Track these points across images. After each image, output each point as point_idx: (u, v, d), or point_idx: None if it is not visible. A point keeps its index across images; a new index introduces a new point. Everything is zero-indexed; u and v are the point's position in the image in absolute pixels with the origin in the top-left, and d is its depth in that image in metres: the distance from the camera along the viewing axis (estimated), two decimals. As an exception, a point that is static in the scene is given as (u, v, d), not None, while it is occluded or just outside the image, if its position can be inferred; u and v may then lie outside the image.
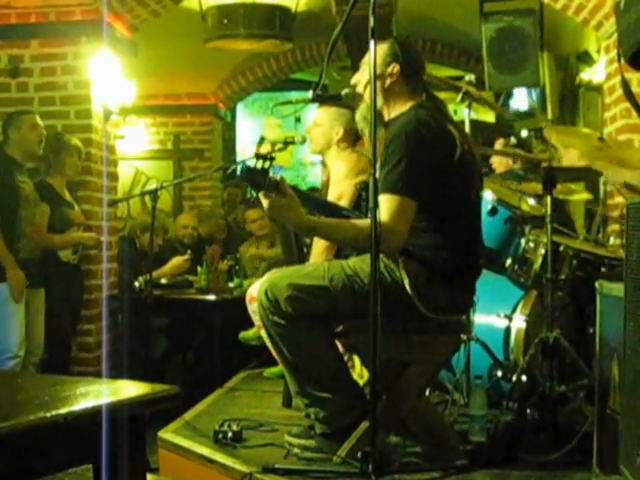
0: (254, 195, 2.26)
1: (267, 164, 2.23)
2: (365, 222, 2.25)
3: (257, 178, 2.23)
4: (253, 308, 2.95)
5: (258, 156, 2.24)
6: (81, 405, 1.28)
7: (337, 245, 2.82)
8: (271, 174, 2.25)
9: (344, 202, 3.09)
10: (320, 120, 3.36)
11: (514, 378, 2.72)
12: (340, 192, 3.16)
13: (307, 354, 2.39)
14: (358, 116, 2.55)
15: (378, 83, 2.38)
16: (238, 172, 2.27)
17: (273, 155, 2.28)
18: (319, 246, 3.14)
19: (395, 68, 2.45)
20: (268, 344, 2.54)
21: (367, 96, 2.39)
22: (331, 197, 3.18)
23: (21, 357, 3.76)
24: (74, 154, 4.27)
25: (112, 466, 1.31)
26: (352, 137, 3.32)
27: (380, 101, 2.43)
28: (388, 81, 2.45)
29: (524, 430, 2.66)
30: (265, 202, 2.26)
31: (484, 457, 2.45)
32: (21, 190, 3.83)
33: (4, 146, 3.93)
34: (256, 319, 3.01)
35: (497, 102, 5.44)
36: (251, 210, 5.42)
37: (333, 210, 2.58)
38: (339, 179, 3.23)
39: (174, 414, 3.00)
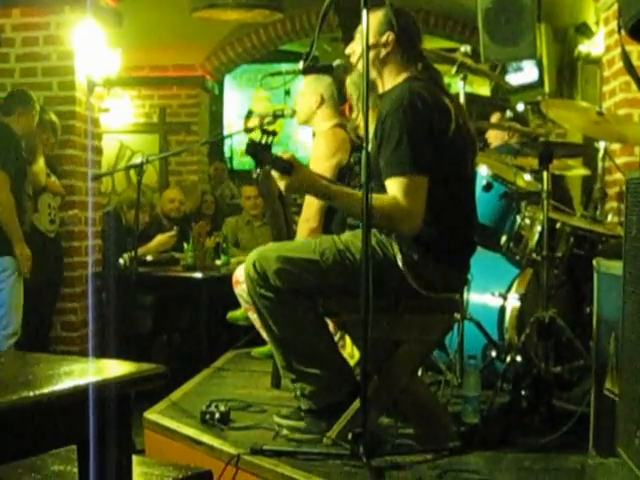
0: (259, 172, 2.24)
1: (270, 139, 2.22)
2: (381, 197, 2.21)
3: (261, 153, 2.21)
4: (239, 291, 2.91)
5: (263, 131, 2.21)
6: (65, 384, 1.24)
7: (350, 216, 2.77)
8: (280, 154, 2.25)
9: None
10: (302, 90, 3.40)
11: (509, 358, 2.68)
12: (320, 172, 3.12)
13: (295, 328, 2.35)
14: (348, 81, 2.50)
15: (372, 53, 2.32)
16: (245, 148, 2.27)
17: (276, 130, 2.25)
18: (304, 229, 3.14)
19: (390, 37, 2.37)
20: (256, 323, 2.49)
21: (361, 66, 2.31)
22: None
23: (19, 334, 3.75)
24: (47, 129, 4.17)
25: (97, 447, 1.26)
26: (333, 103, 3.34)
27: (374, 72, 2.38)
28: (383, 51, 2.38)
29: (519, 411, 2.63)
30: (282, 184, 2.25)
31: (478, 439, 2.41)
32: (26, 164, 3.86)
33: (5, 118, 3.88)
34: (242, 301, 2.96)
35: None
36: (249, 187, 5.34)
37: None
38: (317, 158, 3.23)
39: (160, 395, 2.96)
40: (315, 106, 3.33)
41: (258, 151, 2.21)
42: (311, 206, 3.18)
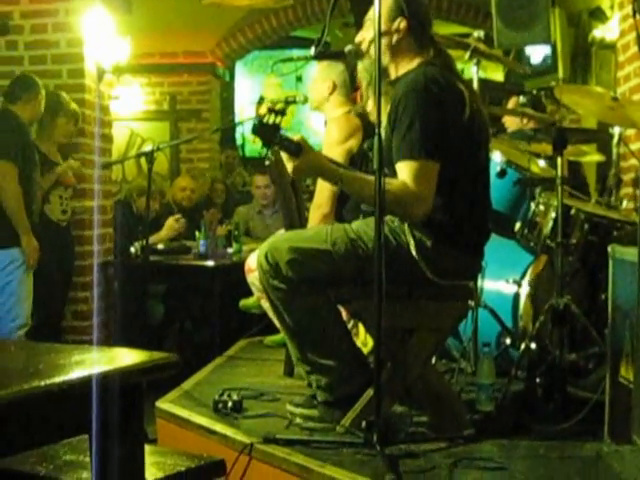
0: (271, 157, 2.21)
1: (278, 119, 2.19)
2: (391, 181, 2.19)
3: (268, 133, 2.18)
4: (251, 279, 2.91)
5: (270, 110, 2.18)
6: (76, 374, 1.24)
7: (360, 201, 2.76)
8: (289, 135, 2.23)
9: None
10: (314, 75, 3.41)
11: (523, 346, 2.66)
12: (332, 157, 3.12)
13: (308, 320, 2.34)
14: (360, 68, 2.47)
15: (385, 40, 2.29)
16: (251, 127, 2.24)
17: (285, 110, 2.22)
18: (316, 216, 3.12)
19: (402, 23, 2.35)
20: (269, 313, 2.48)
21: (373, 53, 2.29)
22: None
23: (29, 325, 3.72)
24: (70, 120, 4.15)
25: (109, 436, 1.27)
26: (345, 90, 3.35)
27: (386, 59, 2.36)
28: (395, 37, 2.36)
29: (533, 399, 2.61)
30: (290, 166, 2.23)
31: (492, 427, 2.39)
32: (35, 152, 3.82)
33: (12, 106, 3.84)
34: (255, 289, 2.96)
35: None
36: (260, 176, 5.33)
37: None
38: (330, 143, 3.24)
39: (172, 384, 2.95)
40: (327, 92, 3.33)
41: (266, 131, 2.18)
42: (323, 192, 3.17)
